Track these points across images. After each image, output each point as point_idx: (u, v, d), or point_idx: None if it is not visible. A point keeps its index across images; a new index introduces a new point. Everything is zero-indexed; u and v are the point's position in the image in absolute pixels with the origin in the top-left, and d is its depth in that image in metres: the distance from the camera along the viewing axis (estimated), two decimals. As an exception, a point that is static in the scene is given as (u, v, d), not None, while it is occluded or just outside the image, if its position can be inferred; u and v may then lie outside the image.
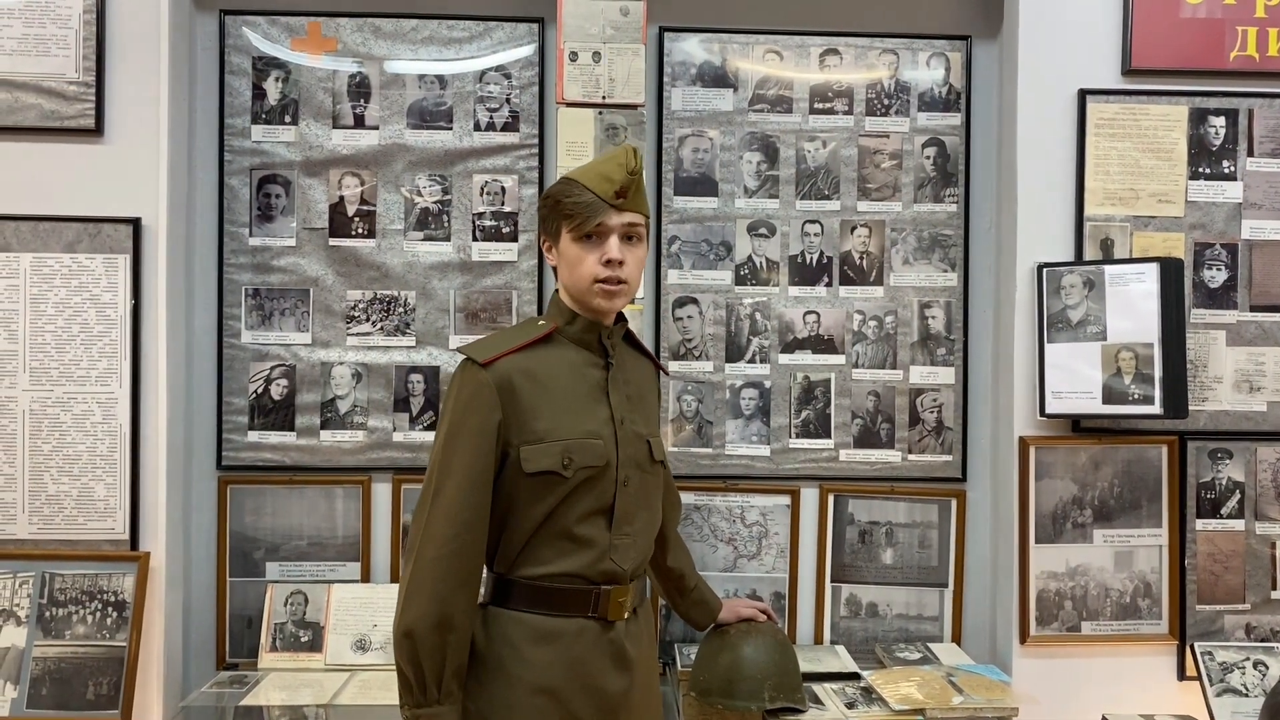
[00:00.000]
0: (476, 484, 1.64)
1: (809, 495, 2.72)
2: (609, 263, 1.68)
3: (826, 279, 2.72)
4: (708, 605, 2.23)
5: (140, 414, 2.45)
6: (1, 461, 2.43)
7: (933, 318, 2.73)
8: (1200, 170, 2.60)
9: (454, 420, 1.66)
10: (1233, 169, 2.60)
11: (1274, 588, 2.59)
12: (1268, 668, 2.41)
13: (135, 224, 2.45)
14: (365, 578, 2.63)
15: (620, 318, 1.82)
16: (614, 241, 1.68)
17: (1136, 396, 2.43)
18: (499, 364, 1.67)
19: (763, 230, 2.71)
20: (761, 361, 2.71)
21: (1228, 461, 2.59)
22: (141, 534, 2.45)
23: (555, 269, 1.79)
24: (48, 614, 2.39)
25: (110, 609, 2.39)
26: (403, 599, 1.62)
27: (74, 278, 2.44)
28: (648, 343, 2.65)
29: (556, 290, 1.81)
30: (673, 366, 2.70)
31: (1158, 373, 2.42)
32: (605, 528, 1.71)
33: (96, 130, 2.45)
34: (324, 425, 2.65)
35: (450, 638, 1.61)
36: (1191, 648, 2.48)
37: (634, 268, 1.72)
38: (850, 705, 2.31)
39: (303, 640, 2.52)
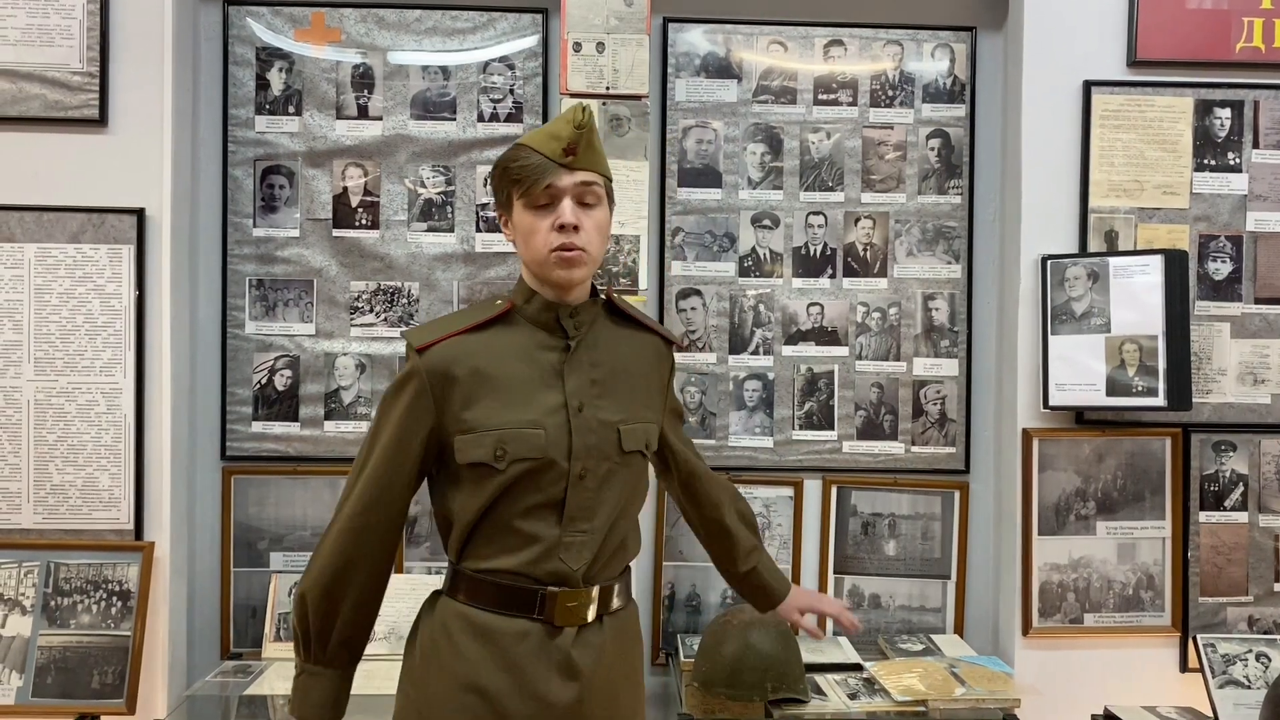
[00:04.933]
0: (390, 469, 1.59)
1: (812, 487, 2.72)
2: (562, 228, 1.55)
3: (830, 270, 2.72)
4: (766, 592, 1.96)
5: (144, 404, 2.46)
6: (7, 451, 2.43)
7: (936, 310, 2.72)
8: (1205, 162, 2.59)
9: (382, 404, 1.62)
10: (1238, 161, 2.60)
11: (1277, 580, 2.59)
12: (1270, 660, 2.41)
13: (139, 214, 2.45)
14: (369, 568, 2.64)
15: (594, 293, 1.69)
16: (567, 204, 1.55)
17: (1140, 389, 2.43)
18: (436, 349, 1.58)
19: (766, 222, 2.71)
20: (765, 353, 2.71)
21: (1231, 454, 2.59)
22: (146, 524, 2.46)
23: (515, 244, 1.66)
24: (53, 603, 2.39)
25: (115, 598, 2.40)
26: (309, 562, 1.62)
27: (78, 268, 2.44)
28: (651, 334, 2.64)
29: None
30: (676, 358, 2.68)
31: (1161, 365, 2.41)
32: (555, 524, 1.58)
33: (101, 121, 2.45)
34: (328, 416, 2.66)
35: (341, 608, 1.59)
36: (1194, 640, 2.48)
37: (594, 233, 1.59)
38: (852, 696, 2.31)
39: (307, 630, 2.52)
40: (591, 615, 1.60)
